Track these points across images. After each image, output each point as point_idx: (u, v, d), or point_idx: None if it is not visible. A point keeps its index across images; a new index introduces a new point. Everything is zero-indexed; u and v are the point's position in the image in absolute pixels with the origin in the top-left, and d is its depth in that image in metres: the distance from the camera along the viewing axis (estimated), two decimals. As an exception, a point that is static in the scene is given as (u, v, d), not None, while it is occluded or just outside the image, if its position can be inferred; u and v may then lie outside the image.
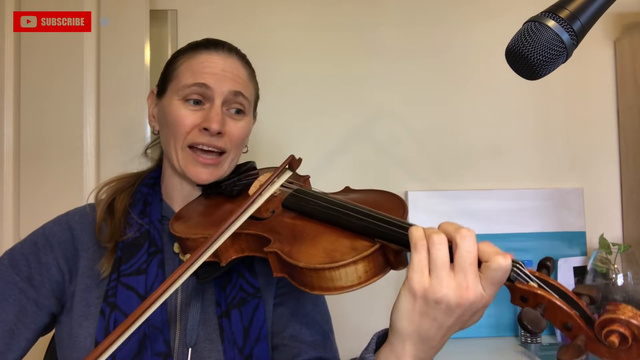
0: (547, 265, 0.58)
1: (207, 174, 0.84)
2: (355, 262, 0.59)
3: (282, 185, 0.83)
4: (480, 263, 0.55)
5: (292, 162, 0.80)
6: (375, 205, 0.70)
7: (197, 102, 0.84)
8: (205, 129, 0.82)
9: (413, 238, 0.57)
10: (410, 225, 0.62)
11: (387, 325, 0.63)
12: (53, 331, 1.01)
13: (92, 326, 0.77)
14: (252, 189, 0.85)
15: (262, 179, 0.87)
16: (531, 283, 0.55)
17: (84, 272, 0.81)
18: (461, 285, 0.54)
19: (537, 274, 0.56)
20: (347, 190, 0.86)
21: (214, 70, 0.84)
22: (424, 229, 0.59)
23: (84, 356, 0.74)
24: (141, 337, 0.75)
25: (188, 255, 0.76)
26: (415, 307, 0.56)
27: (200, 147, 0.83)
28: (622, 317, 0.49)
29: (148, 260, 0.81)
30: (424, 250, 0.56)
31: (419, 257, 0.56)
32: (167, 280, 0.62)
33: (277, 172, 0.78)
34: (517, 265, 0.55)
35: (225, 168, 0.87)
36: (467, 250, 0.54)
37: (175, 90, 0.85)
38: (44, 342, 1.01)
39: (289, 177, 0.88)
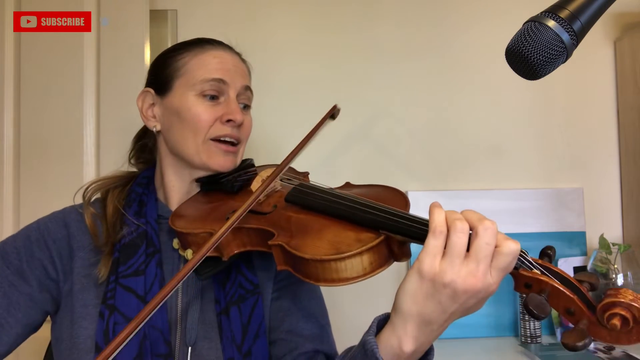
0: (548, 254, 0.60)
1: (230, 162, 0.87)
2: (360, 254, 0.60)
3: (282, 180, 0.84)
4: None
5: (334, 112, 0.83)
6: (378, 198, 0.70)
7: (213, 97, 0.85)
8: (228, 121, 0.84)
9: (434, 222, 0.57)
10: (417, 217, 0.62)
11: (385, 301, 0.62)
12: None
13: (92, 327, 0.77)
14: (254, 184, 0.86)
15: (263, 174, 0.88)
16: (534, 270, 0.56)
17: (80, 272, 0.80)
18: (471, 274, 0.54)
19: (539, 261, 0.58)
20: (348, 185, 0.88)
21: (226, 65, 0.87)
22: (446, 213, 0.58)
23: (84, 357, 0.75)
24: (141, 338, 0.74)
25: (189, 251, 0.76)
26: (421, 288, 0.57)
27: (223, 139, 0.85)
28: (624, 300, 0.51)
29: (146, 261, 0.80)
30: (443, 237, 0.56)
31: (435, 243, 0.56)
32: (175, 277, 0.58)
33: (321, 121, 0.80)
34: (522, 253, 0.57)
35: (240, 157, 0.90)
36: (487, 242, 0.55)
37: (188, 85, 0.85)
38: (43, 344, 1.01)
39: (289, 173, 0.88)
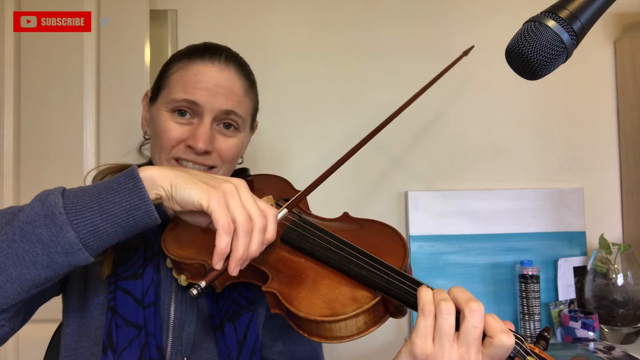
0: (545, 337, 0.59)
1: None
2: (356, 316, 0.59)
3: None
4: (484, 335, 0.55)
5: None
6: (376, 246, 0.69)
7: (184, 114, 0.80)
8: (190, 147, 0.79)
9: (421, 302, 0.57)
10: (414, 281, 0.61)
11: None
12: (51, 334, 1.01)
13: (101, 319, 0.77)
14: None
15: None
16: None
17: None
18: (463, 358, 0.54)
19: (536, 349, 0.57)
20: (345, 218, 0.84)
21: (206, 85, 0.80)
22: (432, 292, 0.58)
23: (93, 348, 0.74)
24: (142, 342, 0.74)
25: (183, 277, 0.74)
26: None
27: (185, 163, 0.81)
28: None
29: (144, 265, 0.80)
30: (431, 317, 0.56)
31: (424, 323, 0.56)
32: None
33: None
34: (518, 341, 0.56)
35: None
36: (474, 325, 0.54)
37: (165, 100, 0.82)
38: (43, 344, 1.01)
39: (285, 198, 0.86)
